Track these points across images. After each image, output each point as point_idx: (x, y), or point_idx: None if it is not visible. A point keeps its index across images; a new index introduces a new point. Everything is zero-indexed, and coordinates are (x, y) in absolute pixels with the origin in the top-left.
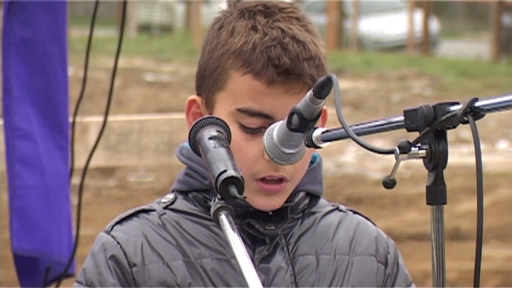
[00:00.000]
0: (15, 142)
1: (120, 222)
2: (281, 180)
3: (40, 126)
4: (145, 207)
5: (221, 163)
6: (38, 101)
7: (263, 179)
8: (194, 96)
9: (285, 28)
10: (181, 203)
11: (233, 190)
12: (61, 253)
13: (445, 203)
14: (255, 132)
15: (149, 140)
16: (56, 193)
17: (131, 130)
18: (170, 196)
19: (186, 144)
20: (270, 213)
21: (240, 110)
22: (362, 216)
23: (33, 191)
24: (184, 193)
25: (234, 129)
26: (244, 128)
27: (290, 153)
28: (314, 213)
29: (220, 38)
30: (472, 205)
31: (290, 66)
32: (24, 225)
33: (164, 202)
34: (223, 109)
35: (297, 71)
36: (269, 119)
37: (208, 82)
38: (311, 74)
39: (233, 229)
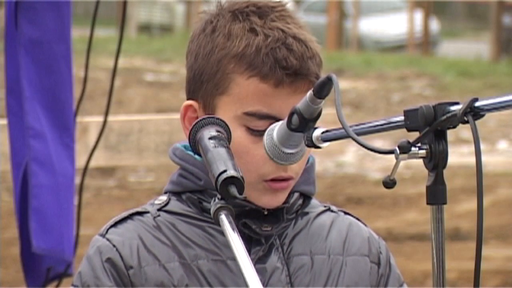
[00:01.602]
0: (30, 141)
1: (114, 225)
2: (287, 178)
3: (48, 125)
4: (139, 209)
5: (221, 163)
6: (46, 100)
7: (272, 179)
8: (190, 101)
9: (284, 28)
10: (175, 205)
11: (233, 190)
12: (70, 252)
13: (445, 203)
14: (262, 134)
15: (149, 140)
16: (65, 192)
17: (131, 130)
18: (164, 198)
19: (179, 144)
20: (265, 212)
21: (247, 114)
22: (353, 216)
23: (47, 190)
24: (177, 194)
25: (241, 132)
26: (251, 131)
27: (290, 153)
28: (307, 213)
29: (216, 42)
30: (472, 205)
31: (298, 66)
32: (41, 224)
33: (158, 204)
34: (226, 113)
35: (303, 70)
36: (277, 120)
37: (206, 87)
38: (316, 72)
39: (233, 229)
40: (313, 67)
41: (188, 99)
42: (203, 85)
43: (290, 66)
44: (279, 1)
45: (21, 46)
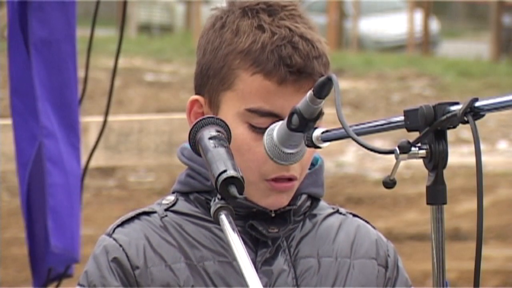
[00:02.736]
0: (44, 140)
1: (121, 224)
2: (290, 179)
3: (58, 125)
4: (146, 209)
5: (221, 163)
6: (55, 100)
7: (273, 179)
8: (196, 96)
9: (292, 26)
10: (183, 205)
11: (233, 190)
12: (78, 252)
13: (445, 203)
14: (265, 131)
15: (149, 140)
16: (75, 192)
17: (131, 130)
18: (171, 198)
19: (187, 144)
20: (273, 214)
21: (250, 110)
22: (362, 219)
23: (61, 189)
24: (185, 194)
25: (243, 129)
26: (253, 128)
27: (290, 153)
28: (315, 215)
29: (224, 37)
30: (472, 205)
31: (302, 65)
32: (57, 224)
33: (165, 204)
34: (230, 109)
35: (308, 69)
36: (279, 118)
37: (212, 82)
38: (321, 72)
39: (233, 229)
40: (318, 67)
41: (195, 94)
42: (209, 80)
43: (294, 64)
44: (290, 1)
45: (31, 46)
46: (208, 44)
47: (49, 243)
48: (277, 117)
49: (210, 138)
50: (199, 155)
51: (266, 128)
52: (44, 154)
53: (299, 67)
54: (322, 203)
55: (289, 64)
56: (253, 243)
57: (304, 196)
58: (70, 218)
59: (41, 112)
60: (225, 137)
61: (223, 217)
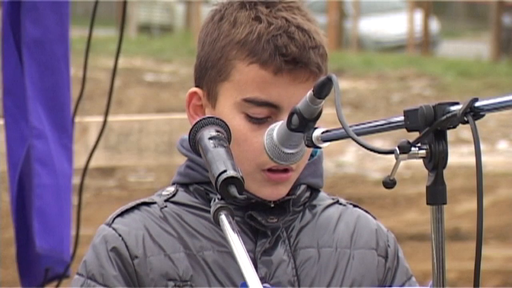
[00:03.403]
0: (33, 141)
1: (121, 214)
2: (286, 169)
3: (48, 126)
4: (146, 199)
5: (221, 163)
6: (47, 101)
7: (269, 169)
8: (195, 89)
9: (289, 17)
10: (182, 196)
11: (233, 190)
12: (68, 253)
13: (445, 203)
14: (262, 122)
15: (149, 140)
16: (65, 193)
17: (131, 130)
18: (171, 189)
19: (186, 136)
20: (272, 205)
21: (246, 100)
22: (362, 209)
23: (49, 190)
24: (185, 185)
25: (240, 120)
26: (250, 118)
27: (290, 153)
28: (314, 206)
29: (222, 29)
30: (472, 205)
31: (297, 54)
32: (43, 225)
33: (165, 195)
34: (227, 100)
35: (304, 59)
36: (276, 108)
37: (210, 74)
38: (317, 62)
39: (233, 229)
40: (315, 57)
41: (194, 86)
42: (207, 71)
43: (290, 54)
44: None
45: (24, 46)
46: (207, 37)
47: (35, 244)
48: (273, 107)
49: (210, 138)
50: (199, 155)
51: (262, 119)
52: (33, 155)
53: (294, 56)
54: (322, 193)
55: (284, 53)
56: (253, 233)
57: (303, 186)
58: (58, 219)
59: (31, 112)
60: (225, 137)
61: (223, 217)
